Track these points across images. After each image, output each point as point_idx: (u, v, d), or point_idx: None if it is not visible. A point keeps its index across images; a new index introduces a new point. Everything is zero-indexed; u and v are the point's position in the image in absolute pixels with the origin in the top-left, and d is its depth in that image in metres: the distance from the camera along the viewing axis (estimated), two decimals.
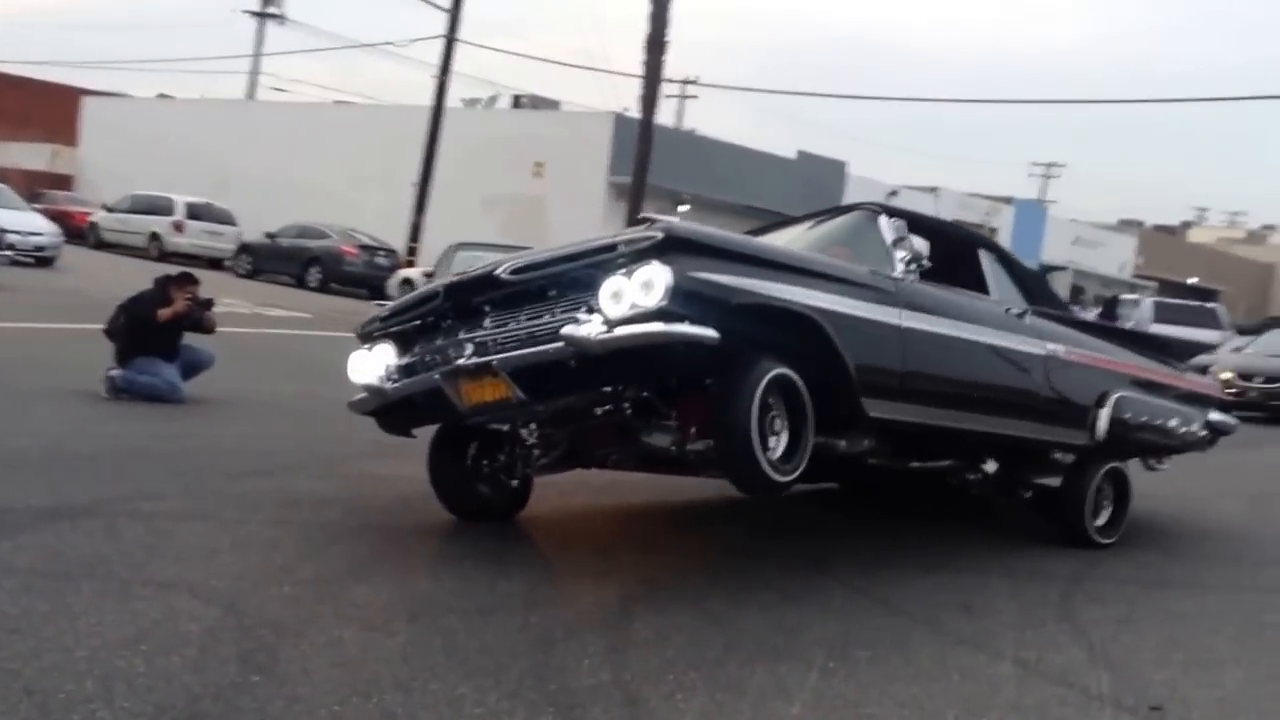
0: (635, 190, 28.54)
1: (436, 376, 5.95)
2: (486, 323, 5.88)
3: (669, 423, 5.95)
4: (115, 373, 9.82)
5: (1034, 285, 8.19)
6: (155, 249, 32.55)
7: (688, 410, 5.89)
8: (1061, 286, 43.62)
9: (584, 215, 32.57)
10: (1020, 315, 7.44)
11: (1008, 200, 49.45)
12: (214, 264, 31.51)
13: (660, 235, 5.35)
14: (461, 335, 5.93)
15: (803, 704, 4.40)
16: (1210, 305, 39.73)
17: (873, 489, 8.47)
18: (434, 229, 30.46)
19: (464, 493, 6.69)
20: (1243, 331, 31.03)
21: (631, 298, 5.25)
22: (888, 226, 6.82)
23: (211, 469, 7.50)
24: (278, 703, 3.92)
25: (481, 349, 5.77)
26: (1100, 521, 7.73)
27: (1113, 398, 7.78)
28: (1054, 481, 7.93)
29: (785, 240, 7.44)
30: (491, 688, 4.22)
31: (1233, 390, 18.23)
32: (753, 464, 5.45)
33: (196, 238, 33.07)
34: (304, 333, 18.94)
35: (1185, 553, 8.32)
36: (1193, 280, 52.33)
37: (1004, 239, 46.34)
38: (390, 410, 6.41)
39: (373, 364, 6.33)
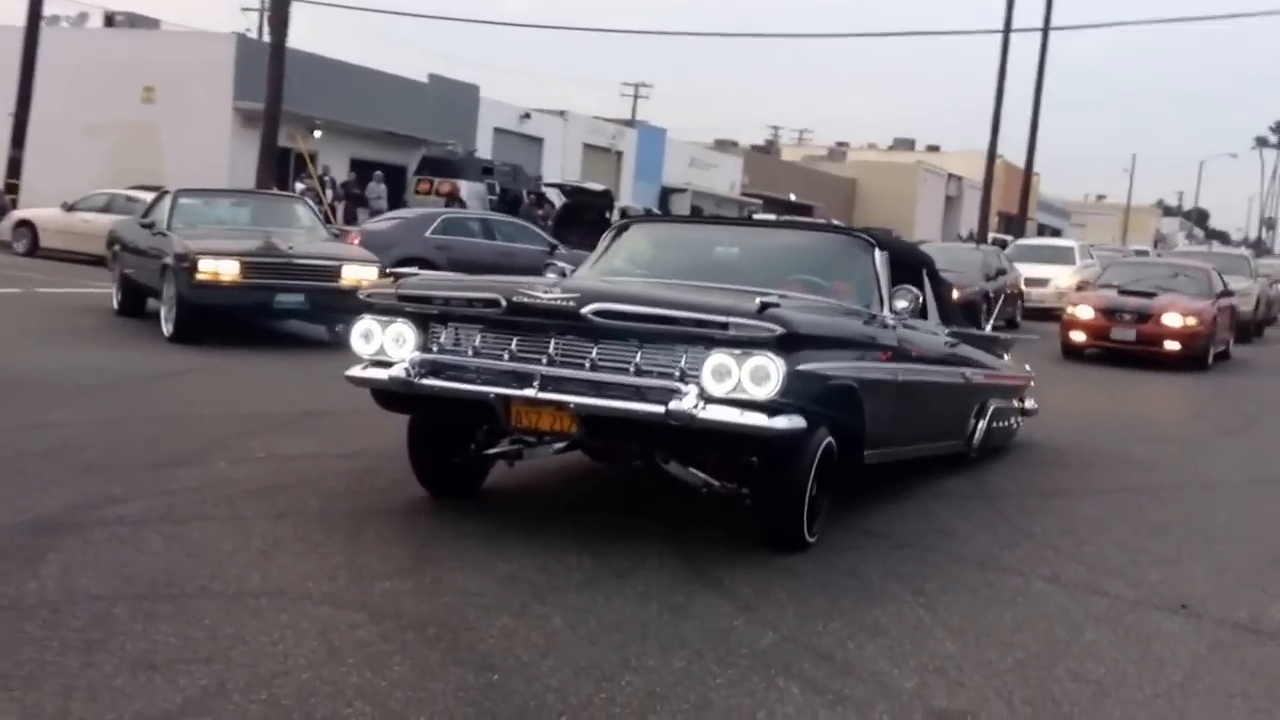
0: (270, 116, 26.59)
1: (491, 395, 5.70)
2: (551, 350, 5.69)
3: (700, 473, 6.01)
4: None
5: (947, 301, 8.53)
6: None
7: (722, 459, 6.01)
8: (682, 208, 44.63)
9: (204, 143, 29.91)
10: (952, 346, 7.93)
11: (630, 123, 49.84)
12: None
13: (781, 330, 5.34)
14: (517, 351, 5.71)
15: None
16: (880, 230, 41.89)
17: None
18: (35, 164, 27.07)
19: (441, 471, 6.48)
20: None
21: (739, 381, 5.34)
22: (884, 269, 7.01)
23: (124, 464, 6.73)
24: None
25: (550, 382, 5.60)
26: None
27: (990, 408, 8.54)
28: None
29: (774, 250, 7.74)
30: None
31: None
32: (798, 527, 5.78)
33: None
34: None
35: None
36: (792, 196, 55.00)
37: (629, 162, 46.93)
38: (405, 399, 6.04)
39: (389, 344, 5.97)
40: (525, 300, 5.68)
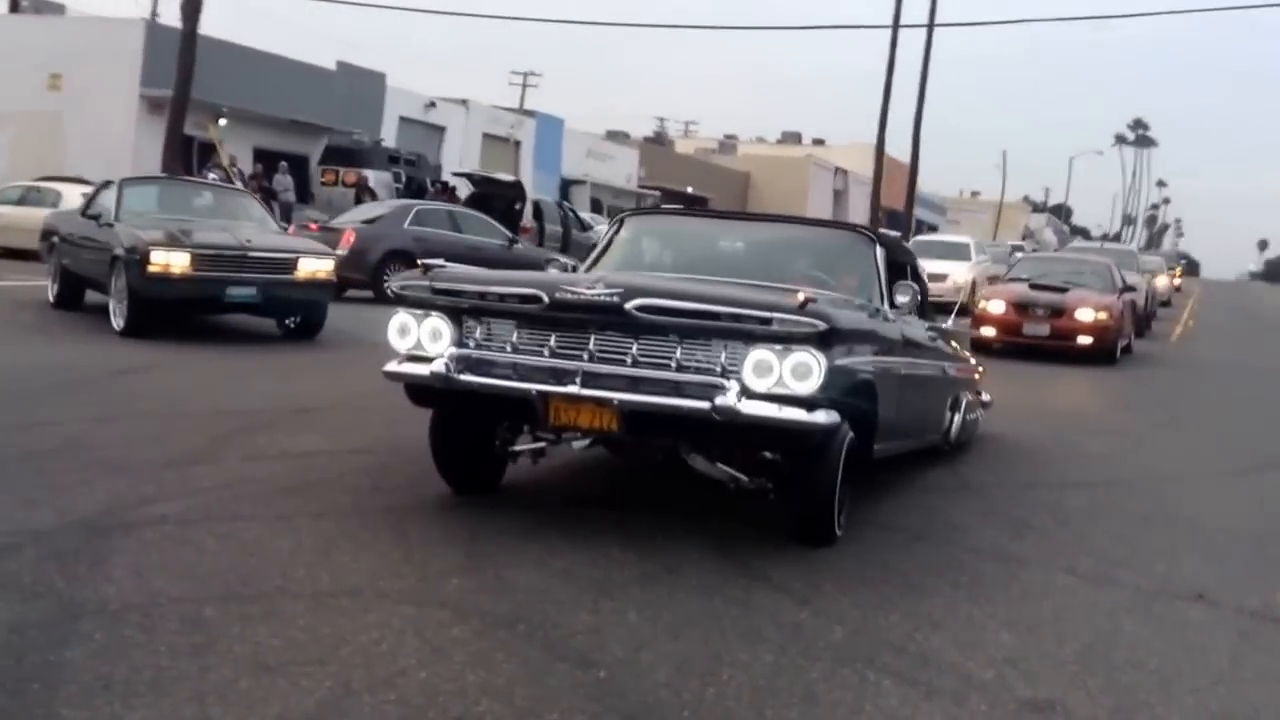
0: (177, 103, 26.08)
1: (534, 392, 5.67)
2: (591, 345, 5.70)
3: (727, 467, 6.10)
4: None
5: (925, 295, 8.67)
6: None
7: (749, 454, 6.12)
8: (582, 201, 44.62)
9: (110, 131, 29.06)
10: (934, 340, 8.11)
11: (530, 113, 49.59)
12: None
13: (824, 326, 5.42)
14: (556, 347, 5.73)
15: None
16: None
17: None
18: None
19: (466, 467, 6.50)
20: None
21: (781, 377, 5.43)
22: (884, 265, 7.25)
23: (141, 463, 6.62)
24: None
25: (591, 378, 5.62)
26: None
27: (963, 401, 8.80)
28: None
29: (779, 245, 7.89)
30: None
31: None
32: (829, 520, 5.94)
33: None
34: None
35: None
36: (689, 189, 55.34)
37: (528, 152, 46.74)
38: (442, 395, 5.96)
39: (425, 339, 5.93)
40: (568, 296, 5.67)
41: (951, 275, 26.14)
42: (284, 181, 30.69)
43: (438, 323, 5.91)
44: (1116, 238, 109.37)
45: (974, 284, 25.66)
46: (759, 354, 5.44)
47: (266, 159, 32.67)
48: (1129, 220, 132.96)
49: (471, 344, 5.90)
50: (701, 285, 6.39)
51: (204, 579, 4.77)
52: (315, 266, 12.14)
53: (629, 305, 5.54)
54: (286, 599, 4.64)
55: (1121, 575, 5.96)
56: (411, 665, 4.05)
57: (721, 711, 3.91)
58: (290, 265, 12.07)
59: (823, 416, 5.51)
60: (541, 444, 6.36)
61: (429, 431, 6.40)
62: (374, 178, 32.83)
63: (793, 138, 79.17)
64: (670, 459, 6.37)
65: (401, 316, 5.99)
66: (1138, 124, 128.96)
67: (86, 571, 4.72)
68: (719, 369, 5.54)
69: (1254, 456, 10.34)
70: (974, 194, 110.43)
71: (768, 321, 5.45)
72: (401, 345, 5.98)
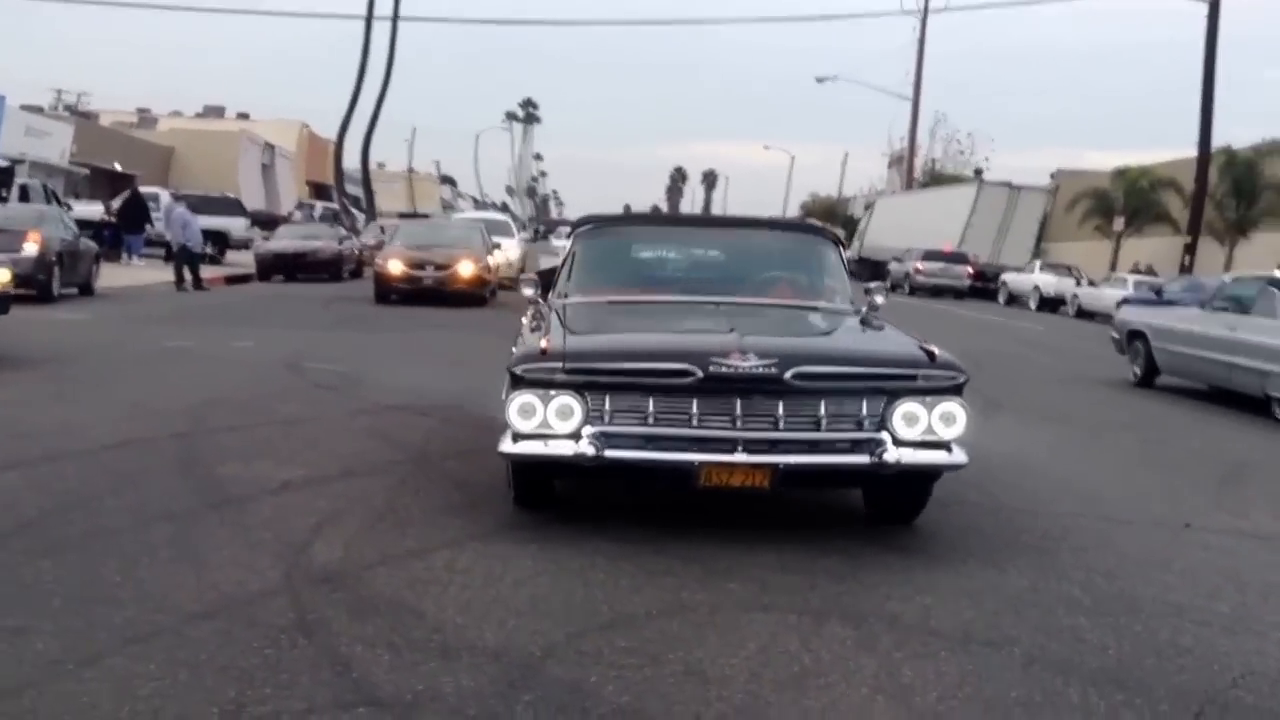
0: None
1: (696, 463, 5.74)
2: (738, 411, 5.80)
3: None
4: None
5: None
6: None
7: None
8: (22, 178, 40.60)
9: None
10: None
11: None
12: None
13: (964, 378, 6.05)
14: (700, 414, 5.79)
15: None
16: (232, 196, 40.61)
17: None
18: None
19: (542, 495, 6.65)
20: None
21: (928, 425, 5.89)
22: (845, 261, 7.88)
23: (144, 471, 7.28)
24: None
25: (750, 444, 5.77)
26: None
27: None
28: None
29: (754, 251, 8.20)
30: None
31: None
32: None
33: None
34: None
35: None
36: (117, 165, 51.93)
37: None
38: (580, 471, 6.00)
39: (553, 418, 5.87)
40: (723, 370, 5.78)
41: (505, 250, 28.41)
42: None
43: (567, 400, 5.86)
44: (505, 207, 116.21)
45: (524, 257, 28.07)
46: (908, 406, 5.87)
47: None
48: (511, 191, 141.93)
49: (604, 418, 5.90)
50: (842, 343, 6.77)
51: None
52: None
53: (787, 375, 5.79)
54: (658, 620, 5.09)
55: (1134, 513, 7.62)
56: (819, 670, 4.76)
57: None
58: None
59: (961, 456, 6.04)
60: None
61: (512, 476, 6.53)
62: None
63: (216, 111, 76.26)
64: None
65: (525, 397, 5.89)
66: (527, 103, 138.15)
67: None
68: (859, 421, 5.89)
69: None
70: (380, 165, 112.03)
71: (913, 378, 5.96)
72: (525, 426, 5.90)
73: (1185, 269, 37.03)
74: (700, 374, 5.78)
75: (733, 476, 5.84)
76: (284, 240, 31.93)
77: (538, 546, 6.05)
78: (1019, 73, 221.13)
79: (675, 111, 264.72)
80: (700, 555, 6.00)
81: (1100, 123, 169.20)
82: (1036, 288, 40.38)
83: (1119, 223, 46.19)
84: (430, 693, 4.22)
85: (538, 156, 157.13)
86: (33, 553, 5.68)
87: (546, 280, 7.78)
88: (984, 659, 4.83)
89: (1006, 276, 43.78)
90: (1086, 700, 4.43)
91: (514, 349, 6.30)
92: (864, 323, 7.22)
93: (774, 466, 5.80)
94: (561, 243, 39.66)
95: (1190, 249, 37.18)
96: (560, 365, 5.90)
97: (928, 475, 6.32)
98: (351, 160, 64.75)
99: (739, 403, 5.83)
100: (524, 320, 7.19)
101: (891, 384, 5.97)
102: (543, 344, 6.09)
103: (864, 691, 4.41)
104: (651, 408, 5.86)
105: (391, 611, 5.04)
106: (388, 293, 23.88)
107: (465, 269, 23.92)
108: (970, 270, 44.48)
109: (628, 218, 10.01)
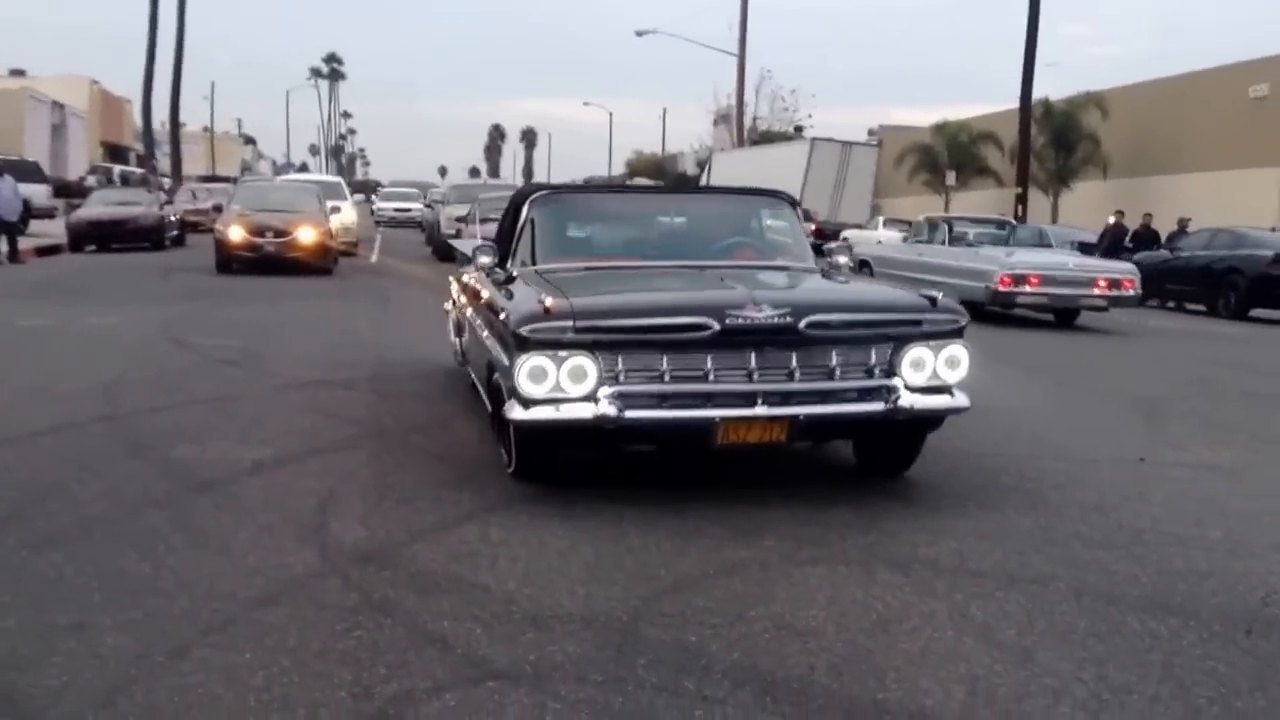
0: None
1: (717, 419, 5.75)
2: (753, 364, 5.84)
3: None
4: None
5: None
6: None
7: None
8: None
9: None
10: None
11: None
12: None
13: (965, 320, 6.22)
14: (715, 369, 5.80)
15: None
16: (31, 160, 38.27)
17: None
18: None
19: (551, 468, 6.53)
20: None
21: (934, 370, 6.04)
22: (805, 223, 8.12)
23: (94, 457, 7.05)
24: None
25: (768, 397, 5.81)
26: None
27: None
28: None
29: (714, 217, 8.31)
30: None
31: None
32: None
33: None
34: None
35: None
36: None
37: None
38: (596, 436, 5.89)
39: (566, 380, 5.76)
40: (739, 322, 5.79)
41: (343, 215, 28.36)
42: None
43: (581, 361, 5.74)
44: (305, 168, 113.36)
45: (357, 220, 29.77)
46: (916, 352, 6.00)
47: None
48: (314, 150, 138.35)
49: (620, 378, 5.82)
50: (846, 293, 6.85)
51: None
52: None
53: (802, 324, 5.83)
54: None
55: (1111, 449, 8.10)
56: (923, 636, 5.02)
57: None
58: None
59: (964, 399, 6.23)
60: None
61: (516, 447, 6.36)
62: None
63: None
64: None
65: (535, 360, 5.73)
66: (331, 58, 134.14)
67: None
68: (869, 369, 6.00)
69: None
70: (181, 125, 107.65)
71: (918, 323, 6.08)
72: (537, 391, 5.76)
73: (1019, 219, 38.75)
74: (718, 326, 5.77)
75: (750, 432, 5.89)
76: (98, 207, 30.49)
77: (560, 517, 6.06)
78: (840, 31, 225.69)
79: (491, 67, 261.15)
80: (719, 516, 6.11)
81: (912, 81, 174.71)
82: (880, 244, 41.30)
83: (950, 176, 47.63)
84: (546, 661, 4.25)
85: (346, 114, 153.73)
86: (31, 546, 5.46)
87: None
88: (1037, 596, 5.11)
89: (848, 233, 44.73)
90: (1147, 627, 4.77)
91: (449, 325, 6.14)
92: (834, 279, 7.43)
93: (793, 418, 5.86)
94: (384, 204, 40.75)
95: (1021, 199, 38.64)
96: (570, 324, 5.77)
97: (933, 421, 6.49)
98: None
99: (753, 355, 5.85)
100: (480, 292, 7.17)
101: (899, 329, 6.09)
102: (548, 303, 5.89)
103: (949, 634, 4.63)
104: (666, 365, 5.82)
105: (454, 587, 5.03)
106: (229, 261, 23.06)
107: (306, 235, 23.19)
108: (813, 227, 45.20)
109: (571, 188, 9.90)
